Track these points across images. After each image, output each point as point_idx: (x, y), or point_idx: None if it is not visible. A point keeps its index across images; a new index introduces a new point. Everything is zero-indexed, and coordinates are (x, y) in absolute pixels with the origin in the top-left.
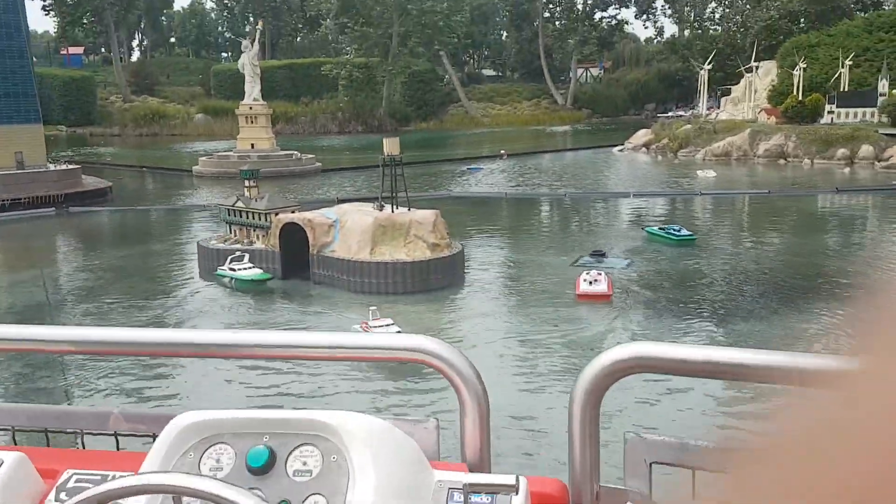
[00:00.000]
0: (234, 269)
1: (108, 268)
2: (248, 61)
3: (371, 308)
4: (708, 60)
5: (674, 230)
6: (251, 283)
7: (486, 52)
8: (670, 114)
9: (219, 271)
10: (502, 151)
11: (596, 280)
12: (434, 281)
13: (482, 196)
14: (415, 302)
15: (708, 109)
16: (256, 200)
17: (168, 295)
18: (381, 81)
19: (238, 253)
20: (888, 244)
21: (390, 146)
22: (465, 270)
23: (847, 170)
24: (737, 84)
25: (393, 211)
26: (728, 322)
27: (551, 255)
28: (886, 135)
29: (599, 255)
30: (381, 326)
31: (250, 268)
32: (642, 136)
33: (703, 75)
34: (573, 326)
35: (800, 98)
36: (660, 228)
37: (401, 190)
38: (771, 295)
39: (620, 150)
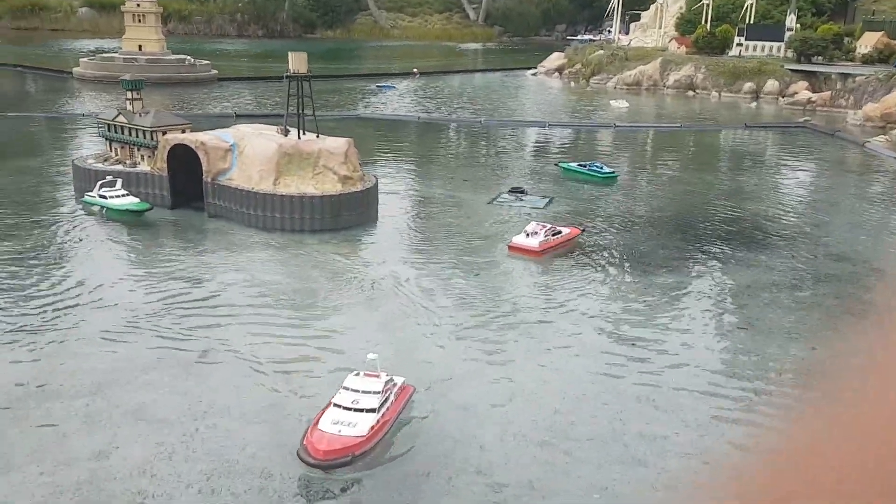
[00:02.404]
0: (104, 197)
1: None
2: None
3: (371, 356)
4: None
5: (596, 167)
6: (126, 213)
7: None
8: (581, 37)
9: (86, 198)
10: (414, 69)
11: (535, 233)
12: (345, 218)
13: (393, 119)
14: (323, 241)
15: (618, 34)
16: (140, 115)
17: (38, 223)
18: None
19: (109, 178)
20: (793, 182)
21: (297, 62)
22: (378, 206)
23: (753, 104)
24: (646, 10)
25: (300, 137)
26: (650, 273)
27: (468, 191)
28: (792, 70)
29: (519, 192)
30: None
31: (124, 195)
32: (555, 59)
33: None
34: (493, 281)
35: (708, 28)
36: (580, 165)
37: (308, 113)
38: (690, 240)
39: (534, 74)
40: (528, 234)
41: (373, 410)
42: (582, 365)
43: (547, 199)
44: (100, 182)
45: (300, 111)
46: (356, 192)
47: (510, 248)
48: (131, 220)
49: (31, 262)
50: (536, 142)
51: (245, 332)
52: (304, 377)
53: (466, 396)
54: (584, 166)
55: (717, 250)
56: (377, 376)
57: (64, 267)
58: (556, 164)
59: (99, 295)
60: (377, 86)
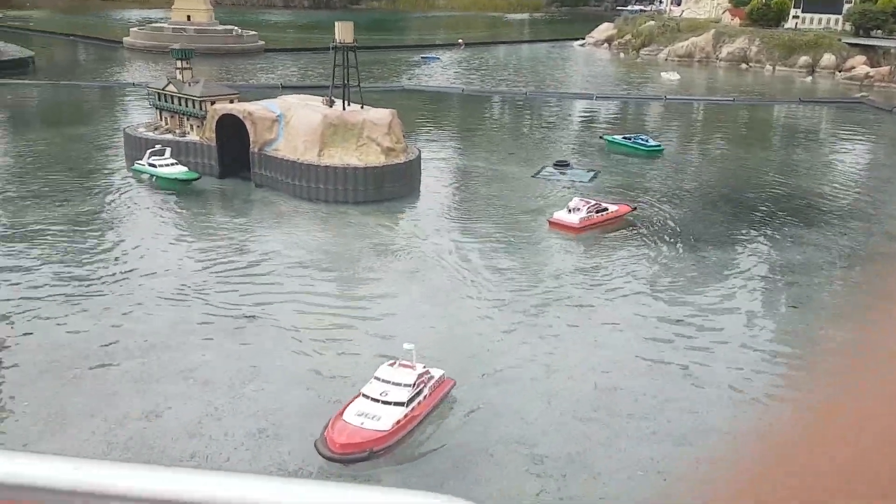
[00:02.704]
0: (153, 165)
1: (26, 152)
2: None
3: (407, 346)
4: None
5: (641, 140)
6: (175, 182)
7: None
8: (631, 7)
9: (136, 166)
10: (460, 40)
11: (577, 209)
12: (388, 190)
13: (437, 90)
14: (366, 213)
15: (669, 5)
16: (190, 85)
17: (90, 190)
18: None
19: (158, 146)
20: (848, 159)
21: (343, 32)
22: (421, 178)
23: (808, 78)
24: None
25: (344, 108)
26: (698, 249)
27: (512, 164)
28: (849, 44)
29: (563, 165)
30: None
31: (173, 164)
32: (604, 30)
33: None
34: (535, 257)
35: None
36: (624, 138)
37: (353, 83)
38: (741, 217)
39: (581, 45)
40: (570, 210)
41: (401, 404)
42: (627, 340)
43: (592, 174)
44: (149, 150)
45: (346, 82)
46: (399, 164)
47: (550, 223)
48: (180, 189)
49: (84, 227)
50: (583, 114)
51: (289, 300)
52: (345, 346)
53: (508, 369)
54: (630, 139)
55: (769, 227)
56: (412, 367)
57: (115, 233)
58: (600, 137)
59: (149, 261)
60: (422, 57)
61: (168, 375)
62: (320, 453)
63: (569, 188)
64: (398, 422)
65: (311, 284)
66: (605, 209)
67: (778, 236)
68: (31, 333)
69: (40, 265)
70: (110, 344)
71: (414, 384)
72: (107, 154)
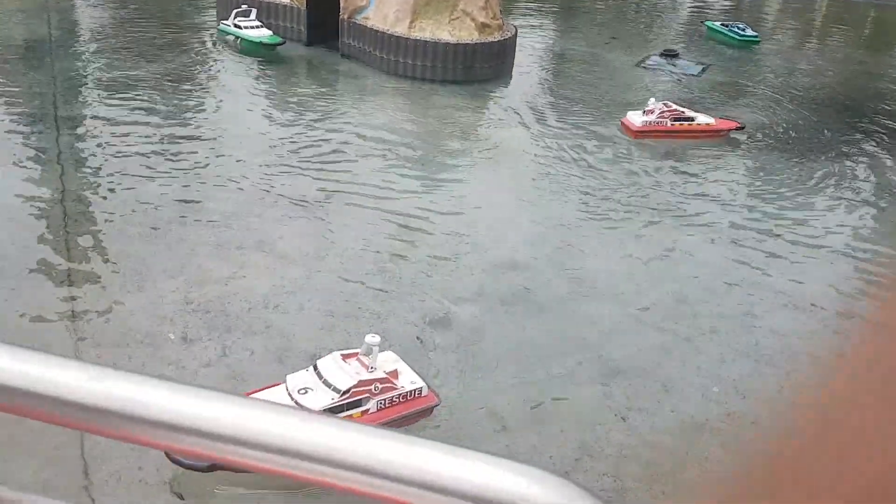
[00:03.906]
0: (238, 27)
1: (120, 4)
2: None
3: (370, 339)
4: None
5: (738, 29)
6: (258, 45)
7: None
8: None
9: (221, 26)
10: None
11: (650, 111)
12: (478, 70)
13: None
14: (453, 93)
15: None
16: None
17: (180, 48)
18: None
19: (244, 7)
20: None
21: None
22: (514, 59)
23: None
24: None
25: None
26: (806, 159)
27: (614, 50)
28: None
29: (672, 55)
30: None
31: (258, 26)
32: None
33: None
34: (626, 159)
35: None
36: (722, 24)
37: None
38: (860, 128)
39: None
40: (644, 111)
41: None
42: (716, 252)
43: (702, 67)
44: (235, 10)
45: None
46: (493, 42)
47: (621, 123)
48: (263, 54)
49: (170, 87)
50: None
51: (366, 180)
52: (419, 230)
53: (584, 270)
54: (727, 26)
55: (890, 140)
56: (365, 367)
57: (199, 95)
58: (702, 23)
59: (231, 127)
60: None
61: (246, 244)
62: (170, 459)
63: (676, 82)
64: None
65: (388, 165)
66: (690, 119)
67: None
68: (120, 186)
69: (128, 120)
70: (193, 206)
71: (348, 391)
72: (199, 10)
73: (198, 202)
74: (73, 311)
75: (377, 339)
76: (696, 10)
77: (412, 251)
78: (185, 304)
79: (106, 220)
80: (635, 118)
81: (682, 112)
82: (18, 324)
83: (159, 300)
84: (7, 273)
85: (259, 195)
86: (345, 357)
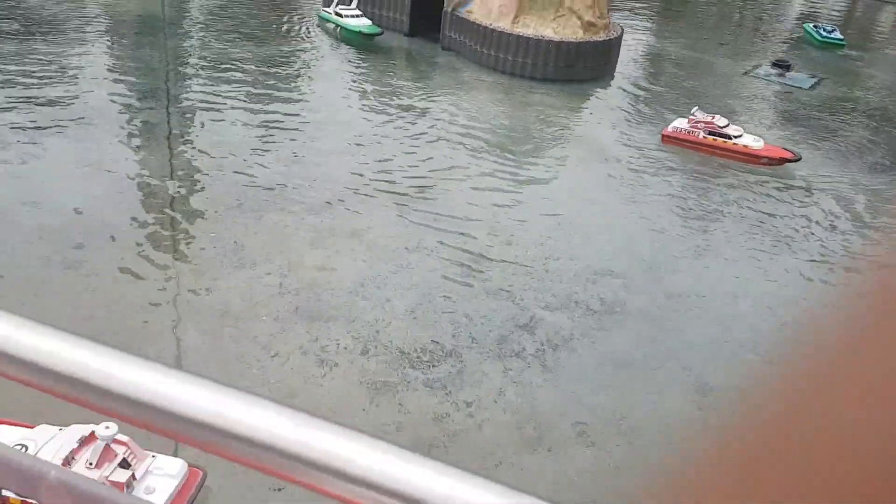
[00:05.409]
0: (339, 15)
1: None
2: None
3: (101, 429)
4: None
5: (825, 30)
6: (357, 34)
7: None
8: None
9: (322, 13)
10: None
11: (685, 119)
12: (580, 70)
13: None
14: (551, 93)
15: None
16: None
17: (283, 33)
18: None
19: None
20: None
21: None
22: (617, 60)
23: None
24: None
25: None
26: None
27: (722, 56)
28: None
29: (783, 66)
30: None
31: (359, 15)
32: None
33: None
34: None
35: None
36: (814, 26)
37: None
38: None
39: None
40: (688, 119)
41: None
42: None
43: (814, 80)
44: None
45: None
46: (597, 42)
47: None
48: (363, 43)
49: (271, 72)
50: (813, 3)
51: (458, 175)
52: (506, 227)
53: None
54: (817, 28)
55: None
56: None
57: (299, 82)
58: (801, 25)
59: (328, 115)
60: None
61: (338, 233)
62: None
63: (785, 94)
64: None
65: (479, 161)
66: (728, 137)
67: None
68: (223, 167)
69: (230, 102)
70: (291, 189)
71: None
72: None
73: (294, 187)
74: (177, 286)
75: (114, 428)
76: (805, 16)
77: (504, 250)
78: (279, 287)
79: (207, 199)
80: (673, 124)
81: (718, 126)
82: (123, 292)
83: (256, 280)
84: (116, 244)
85: (353, 184)
86: (81, 441)
